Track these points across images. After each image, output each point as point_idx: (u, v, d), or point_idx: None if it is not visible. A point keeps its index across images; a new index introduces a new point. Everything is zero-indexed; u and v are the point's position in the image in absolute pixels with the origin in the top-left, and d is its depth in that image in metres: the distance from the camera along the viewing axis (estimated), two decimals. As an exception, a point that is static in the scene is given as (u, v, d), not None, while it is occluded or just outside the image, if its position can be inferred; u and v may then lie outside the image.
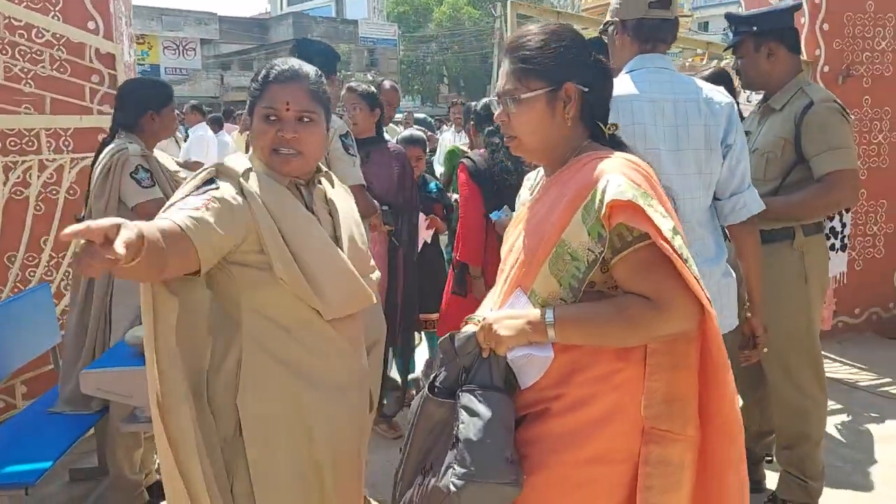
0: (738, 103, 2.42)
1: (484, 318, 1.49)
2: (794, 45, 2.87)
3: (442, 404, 1.47)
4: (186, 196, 1.63)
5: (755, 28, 2.82)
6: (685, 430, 1.46)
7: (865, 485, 3.18)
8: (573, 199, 1.44)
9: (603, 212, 1.37)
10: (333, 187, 1.87)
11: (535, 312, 1.45)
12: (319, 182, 1.83)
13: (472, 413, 1.40)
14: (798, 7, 3.19)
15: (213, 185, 1.65)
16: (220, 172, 1.69)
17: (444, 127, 10.38)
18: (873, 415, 3.88)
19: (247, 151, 1.88)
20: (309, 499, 1.72)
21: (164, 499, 3.10)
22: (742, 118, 2.66)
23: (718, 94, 2.25)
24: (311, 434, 1.70)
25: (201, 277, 1.64)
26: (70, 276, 3.01)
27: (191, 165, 3.43)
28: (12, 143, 3.55)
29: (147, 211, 2.57)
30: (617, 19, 2.30)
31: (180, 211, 1.54)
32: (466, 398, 1.43)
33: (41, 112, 3.57)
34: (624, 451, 1.44)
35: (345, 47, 35.80)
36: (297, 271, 1.63)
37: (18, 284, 3.60)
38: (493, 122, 3.56)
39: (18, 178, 3.57)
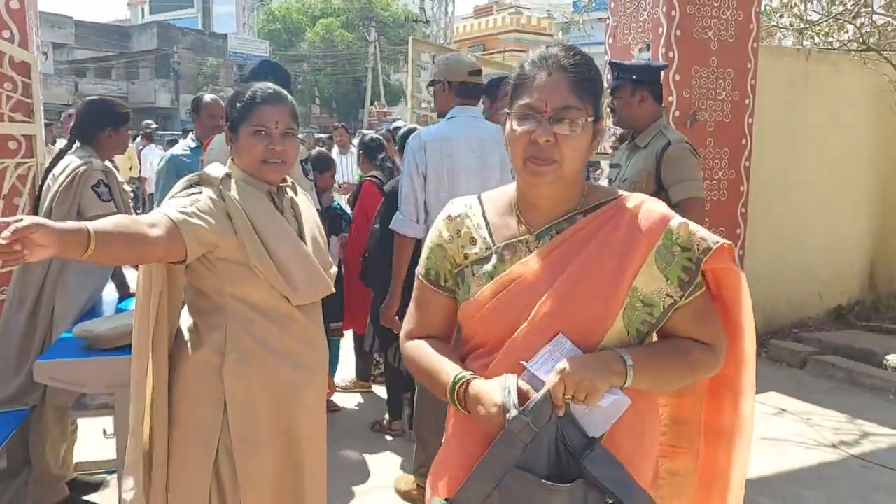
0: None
1: (562, 369, 1.29)
2: (659, 96, 3.48)
3: (557, 491, 1.27)
4: (173, 198, 1.91)
5: (634, 77, 3.40)
6: (692, 445, 1.58)
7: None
8: (645, 245, 1.39)
9: (709, 255, 1.38)
10: (297, 195, 2.17)
11: (609, 356, 1.35)
12: (286, 190, 2.13)
13: (613, 482, 1.28)
14: (665, 67, 3.86)
15: (196, 190, 1.93)
16: (202, 179, 1.97)
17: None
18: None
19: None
20: (281, 462, 1.99)
21: (83, 494, 3.22)
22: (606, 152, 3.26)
23: None
24: (285, 402, 1.98)
25: (182, 268, 1.91)
26: (14, 278, 3.06)
27: None
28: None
29: None
30: (444, 80, 3.30)
31: (171, 208, 1.82)
32: (595, 469, 1.27)
33: (-42, 117, 3.55)
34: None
35: (213, 61, 35.08)
36: (269, 261, 1.92)
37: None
38: (381, 152, 4.79)
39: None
